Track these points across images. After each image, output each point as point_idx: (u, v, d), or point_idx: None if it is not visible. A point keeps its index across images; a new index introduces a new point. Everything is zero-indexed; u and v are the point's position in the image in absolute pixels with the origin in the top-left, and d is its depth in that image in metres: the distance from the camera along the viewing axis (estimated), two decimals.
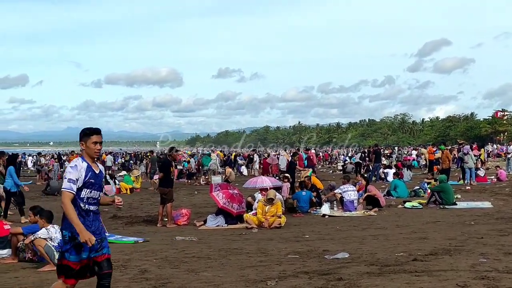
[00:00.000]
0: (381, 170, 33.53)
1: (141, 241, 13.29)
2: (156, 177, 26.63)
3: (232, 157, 49.50)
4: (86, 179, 6.05)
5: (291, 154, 29.31)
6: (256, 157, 45.92)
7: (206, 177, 35.77)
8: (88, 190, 6.08)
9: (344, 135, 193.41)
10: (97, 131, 6.21)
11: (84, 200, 6.07)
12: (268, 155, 44.36)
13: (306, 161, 39.02)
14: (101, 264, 6.18)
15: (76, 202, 6.01)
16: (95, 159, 6.24)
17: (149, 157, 40.28)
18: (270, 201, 16.04)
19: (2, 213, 17.14)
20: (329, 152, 79.87)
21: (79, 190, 6.01)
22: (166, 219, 16.52)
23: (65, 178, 5.96)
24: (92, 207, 6.15)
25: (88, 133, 6.17)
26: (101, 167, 6.35)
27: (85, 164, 6.09)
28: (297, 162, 25.14)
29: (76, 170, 6.00)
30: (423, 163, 45.43)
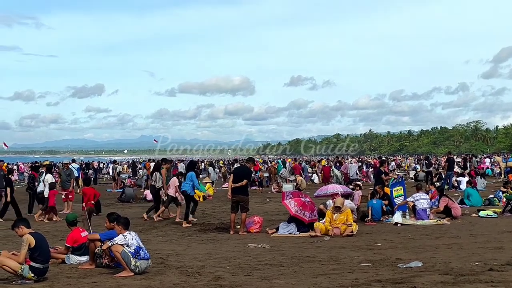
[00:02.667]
0: (454, 178, 32.94)
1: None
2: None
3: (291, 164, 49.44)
4: None
5: (379, 162, 29.06)
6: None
7: (278, 183, 35.90)
8: None
9: (416, 143, 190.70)
10: None
11: None
12: (341, 163, 44.03)
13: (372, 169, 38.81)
14: None
15: None
16: None
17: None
18: (337, 209, 16.01)
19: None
20: (400, 161, 78.82)
21: None
22: (239, 227, 16.70)
23: None
24: None
25: None
26: None
27: None
28: (385, 170, 24.81)
29: None
30: (498, 172, 44.43)
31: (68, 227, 12.69)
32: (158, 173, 20.96)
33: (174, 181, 20.29)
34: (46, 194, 21.32)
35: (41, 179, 22.25)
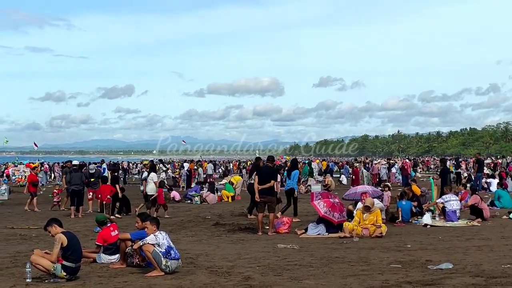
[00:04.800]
0: (483, 180, 32.64)
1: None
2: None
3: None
4: None
5: (440, 160, 28.87)
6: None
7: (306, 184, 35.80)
8: None
9: (445, 144, 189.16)
10: None
11: None
12: (370, 163, 43.85)
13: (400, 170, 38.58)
14: None
15: None
16: None
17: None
18: (367, 209, 15.97)
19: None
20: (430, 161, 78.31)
21: None
22: (268, 227, 16.73)
23: None
24: None
25: None
26: None
27: None
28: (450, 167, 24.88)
29: None
30: None
31: (99, 227, 12.83)
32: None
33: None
34: (150, 191, 21.67)
35: (142, 177, 22.87)
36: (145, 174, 22.93)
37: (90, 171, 26.60)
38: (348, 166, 49.79)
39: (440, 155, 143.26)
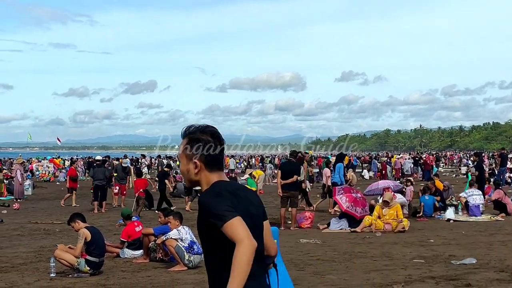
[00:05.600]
0: (507, 175, 32.35)
1: None
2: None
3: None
4: None
5: (474, 154, 28.72)
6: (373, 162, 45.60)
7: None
8: None
9: (467, 139, 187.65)
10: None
11: None
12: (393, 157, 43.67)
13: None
14: None
15: None
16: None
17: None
18: (386, 204, 15.90)
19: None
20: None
21: None
22: (290, 222, 16.71)
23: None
24: None
25: None
26: None
27: None
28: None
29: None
30: None
31: (123, 222, 12.89)
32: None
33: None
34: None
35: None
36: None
37: (123, 165, 26.79)
38: (376, 161, 49.53)
39: (462, 150, 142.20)
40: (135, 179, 24.58)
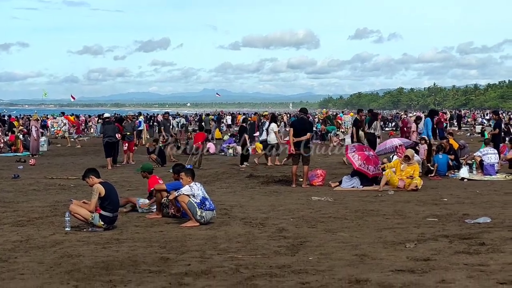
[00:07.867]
0: None
1: None
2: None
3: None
4: None
5: (492, 112, 28.56)
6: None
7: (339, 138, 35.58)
8: None
9: (482, 97, 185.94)
10: None
11: None
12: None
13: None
14: None
15: None
16: None
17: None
18: (406, 159, 15.81)
19: None
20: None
21: None
22: (301, 179, 16.70)
23: None
24: None
25: None
26: None
27: None
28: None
29: None
30: None
31: (146, 176, 12.83)
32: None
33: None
34: (272, 141, 22.64)
35: (263, 128, 23.16)
36: (266, 124, 23.21)
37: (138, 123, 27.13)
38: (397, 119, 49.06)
39: (477, 108, 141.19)
40: (147, 136, 24.77)
